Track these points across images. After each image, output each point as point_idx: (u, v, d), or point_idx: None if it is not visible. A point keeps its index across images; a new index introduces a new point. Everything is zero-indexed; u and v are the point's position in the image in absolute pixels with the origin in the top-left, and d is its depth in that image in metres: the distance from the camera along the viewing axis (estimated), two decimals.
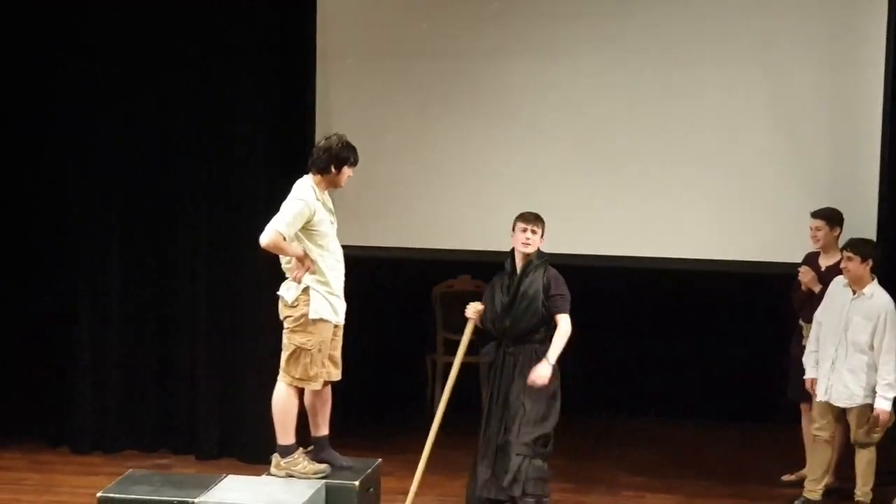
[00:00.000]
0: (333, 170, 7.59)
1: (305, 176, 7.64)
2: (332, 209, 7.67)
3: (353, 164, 7.65)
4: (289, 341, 7.61)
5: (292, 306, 7.57)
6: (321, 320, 7.56)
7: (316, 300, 7.54)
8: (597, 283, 10.70)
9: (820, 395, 8.51)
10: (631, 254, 9.84)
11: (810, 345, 8.64)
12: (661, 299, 10.80)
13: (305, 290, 7.53)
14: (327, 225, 7.58)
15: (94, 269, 9.72)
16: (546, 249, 9.93)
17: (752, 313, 10.52)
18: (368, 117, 9.77)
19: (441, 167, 9.88)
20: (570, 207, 9.78)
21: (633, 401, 10.75)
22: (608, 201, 9.79)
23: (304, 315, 7.54)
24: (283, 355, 7.65)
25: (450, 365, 10.79)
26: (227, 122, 9.56)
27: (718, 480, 9.35)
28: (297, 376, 7.62)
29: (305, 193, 7.52)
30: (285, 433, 7.70)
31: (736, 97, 9.61)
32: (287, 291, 7.60)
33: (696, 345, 10.84)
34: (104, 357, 9.76)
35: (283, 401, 7.68)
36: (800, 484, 8.87)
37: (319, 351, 7.57)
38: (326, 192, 7.65)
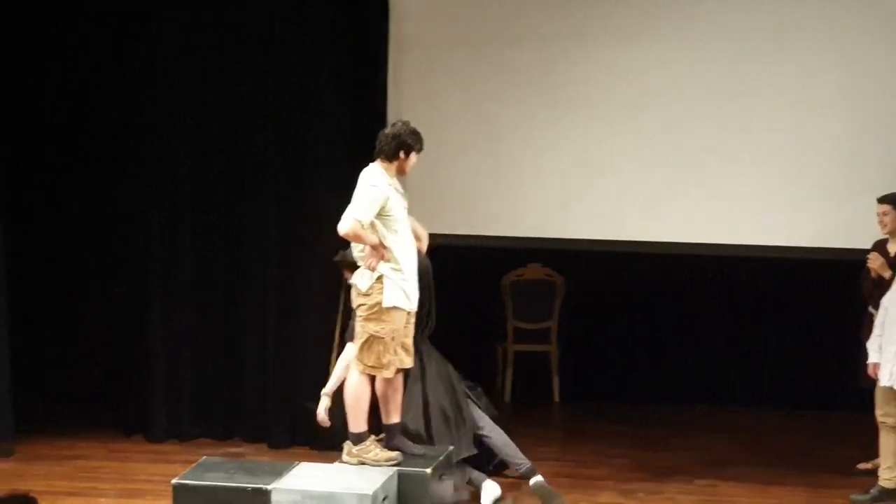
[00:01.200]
0: (401, 156, 7.61)
1: (373, 164, 7.66)
2: (404, 194, 7.68)
3: (419, 150, 7.67)
4: (362, 329, 7.62)
5: (366, 294, 7.58)
6: (395, 308, 7.57)
7: (390, 288, 7.55)
8: (668, 272, 10.67)
9: (883, 381, 8.42)
10: (701, 241, 9.78)
11: (875, 329, 8.54)
12: (734, 287, 10.73)
13: (379, 279, 7.55)
14: (400, 210, 7.59)
15: (166, 260, 9.78)
16: (615, 237, 9.92)
17: (824, 301, 10.43)
18: (440, 105, 9.77)
19: (512, 155, 9.86)
20: (641, 195, 9.73)
21: (707, 390, 10.68)
22: (680, 189, 9.73)
23: (378, 303, 7.55)
24: (357, 343, 7.67)
25: (519, 353, 10.85)
26: (299, 112, 9.59)
27: (793, 468, 9.27)
28: (369, 364, 7.64)
29: (377, 179, 7.54)
30: (357, 421, 7.73)
31: (805, 84, 9.52)
32: (361, 280, 7.61)
33: (770, 333, 10.76)
34: (177, 347, 9.83)
35: (355, 388, 7.71)
36: (876, 472, 8.78)
37: (393, 339, 7.59)
38: (395, 179, 7.66)
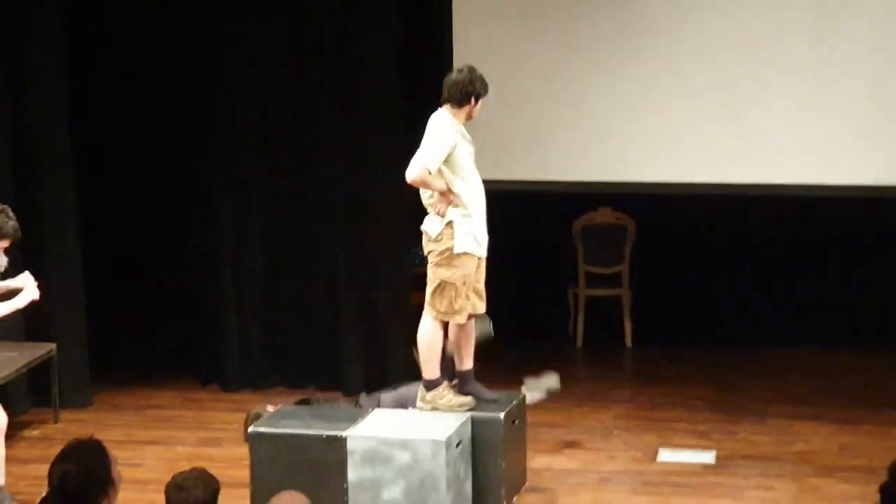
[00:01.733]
0: (463, 101, 7.58)
1: (440, 109, 7.65)
2: (471, 140, 7.67)
3: (484, 95, 7.64)
4: (434, 275, 7.63)
5: (437, 240, 7.59)
6: (466, 254, 7.57)
7: (461, 233, 7.55)
8: (741, 214, 10.60)
9: None
10: (773, 181, 9.68)
11: None
12: (807, 227, 10.64)
13: (450, 224, 7.55)
14: (467, 156, 7.58)
15: (238, 209, 9.85)
16: (686, 179, 9.84)
17: None
18: (508, 50, 9.71)
19: (581, 100, 9.79)
20: (711, 136, 9.65)
21: (781, 330, 10.62)
22: (751, 129, 9.62)
23: (449, 249, 7.56)
24: (428, 289, 7.68)
25: (591, 298, 10.83)
26: (363, 56, 9.57)
27: (868, 408, 9.22)
28: (441, 310, 7.66)
29: (445, 126, 7.53)
30: (430, 367, 7.75)
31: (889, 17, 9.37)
32: (431, 226, 7.62)
33: (844, 273, 10.66)
34: (250, 296, 9.91)
35: (428, 335, 7.73)
36: None
37: (464, 284, 7.59)
38: (462, 125, 7.65)
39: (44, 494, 4.65)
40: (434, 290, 7.64)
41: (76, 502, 4.35)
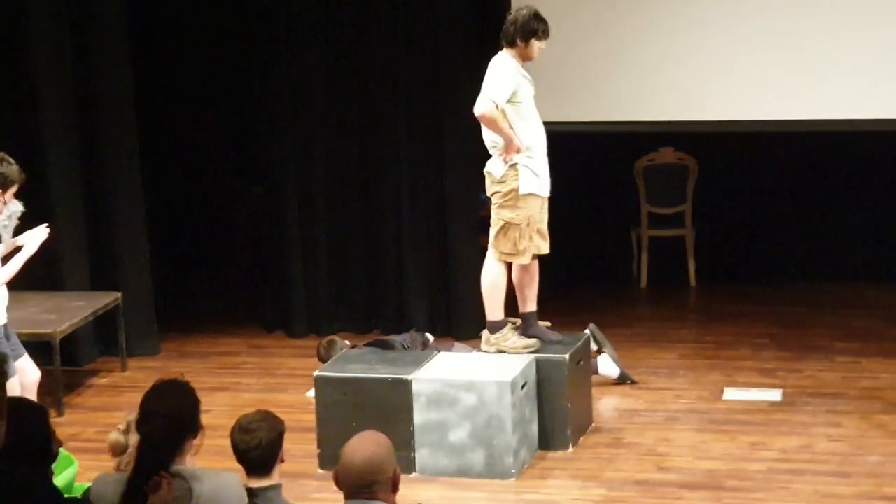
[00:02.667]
0: (521, 42, 7.53)
1: (501, 51, 7.61)
2: (532, 81, 7.63)
3: (543, 36, 7.57)
4: (497, 216, 7.63)
5: (501, 181, 7.57)
6: (530, 195, 7.56)
7: (525, 175, 7.53)
8: (802, 150, 10.49)
9: None
10: (832, 117, 9.57)
11: None
12: (873, 162, 10.51)
13: (513, 166, 7.53)
14: (528, 98, 7.55)
15: (302, 155, 9.85)
16: (747, 117, 9.75)
17: None
18: None
19: (642, 39, 9.70)
20: (771, 73, 9.53)
21: (846, 267, 10.52)
22: (811, 66, 9.49)
23: (514, 190, 7.54)
24: (492, 231, 7.68)
25: (654, 238, 10.78)
26: (426, 21, 9.54)
27: None
28: (505, 251, 7.65)
29: (506, 65, 7.50)
30: (494, 309, 7.76)
31: None
32: (495, 167, 7.60)
33: None
34: (314, 243, 9.93)
35: (492, 276, 7.73)
36: None
37: (528, 225, 7.58)
38: (523, 65, 7.60)
39: (131, 419, 4.71)
40: (498, 232, 7.63)
41: (172, 435, 4.39)
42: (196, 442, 4.54)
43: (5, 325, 7.31)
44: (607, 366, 8.60)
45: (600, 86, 9.78)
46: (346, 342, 8.84)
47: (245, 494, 4.71)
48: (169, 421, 4.41)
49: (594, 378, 8.32)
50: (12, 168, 7.11)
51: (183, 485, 4.41)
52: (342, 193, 9.87)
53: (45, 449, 4.36)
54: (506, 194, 7.56)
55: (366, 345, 8.51)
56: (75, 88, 9.37)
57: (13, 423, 4.09)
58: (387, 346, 8.36)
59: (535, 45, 7.55)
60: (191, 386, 4.56)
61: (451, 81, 9.49)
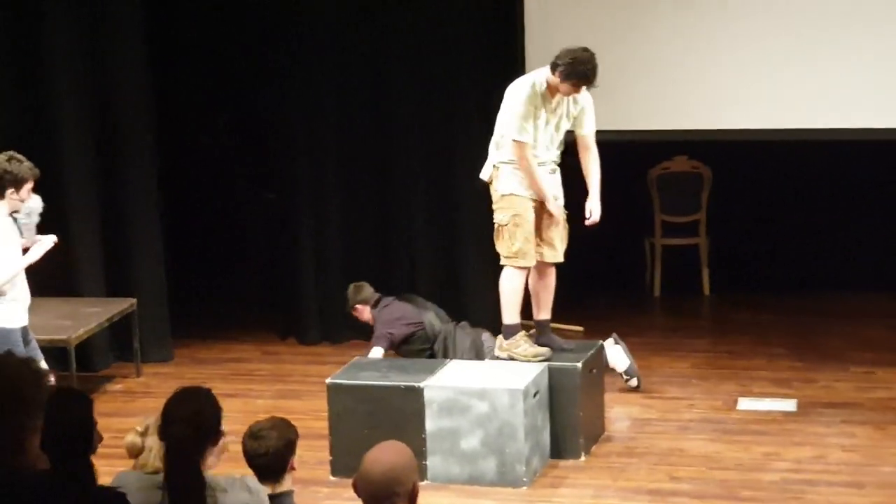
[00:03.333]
0: (559, 76, 7.49)
1: (544, 68, 7.59)
2: (555, 107, 7.59)
3: (578, 86, 7.50)
4: (494, 221, 7.69)
5: (489, 185, 7.68)
6: (512, 195, 7.58)
7: (505, 174, 7.56)
8: (817, 159, 10.46)
9: None
10: (848, 126, 9.55)
11: None
12: (889, 171, 10.48)
13: (496, 166, 7.60)
14: (540, 121, 7.55)
15: (314, 166, 9.85)
16: (761, 126, 9.73)
17: None
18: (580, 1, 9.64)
19: (657, 49, 9.69)
20: (786, 83, 9.52)
21: (861, 276, 10.49)
22: (825, 75, 9.48)
23: (496, 191, 7.63)
24: (495, 238, 7.74)
25: (667, 246, 10.76)
26: (438, 17, 9.55)
27: None
28: (504, 254, 7.69)
29: (523, 92, 7.52)
30: (508, 313, 7.76)
31: None
32: (484, 171, 7.74)
33: None
34: (327, 250, 9.94)
35: (506, 281, 7.73)
36: None
37: (516, 225, 7.58)
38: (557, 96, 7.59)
39: (150, 422, 4.73)
40: (495, 237, 7.70)
41: (187, 447, 4.40)
42: (218, 447, 4.54)
43: (25, 328, 7.33)
44: (617, 356, 8.58)
45: (614, 95, 9.71)
46: (376, 293, 8.97)
47: (265, 496, 4.73)
48: (191, 426, 4.42)
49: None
50: (22, 165, 7.14)
51: (211, 497, 4.44)
52: (355, 200, 9.87)
53: (87, 438, 4.36)
54: (495, 198, 7.65)
55: (398, 298, 8.82)
56: (92, 94, 9.39)
57: (57, 412, 4.12)
58: (420, 306, 8.72)
59: (566, 86, 7.51)
60: (212, 392, 4.57)
61: (463, 90, 9.50)
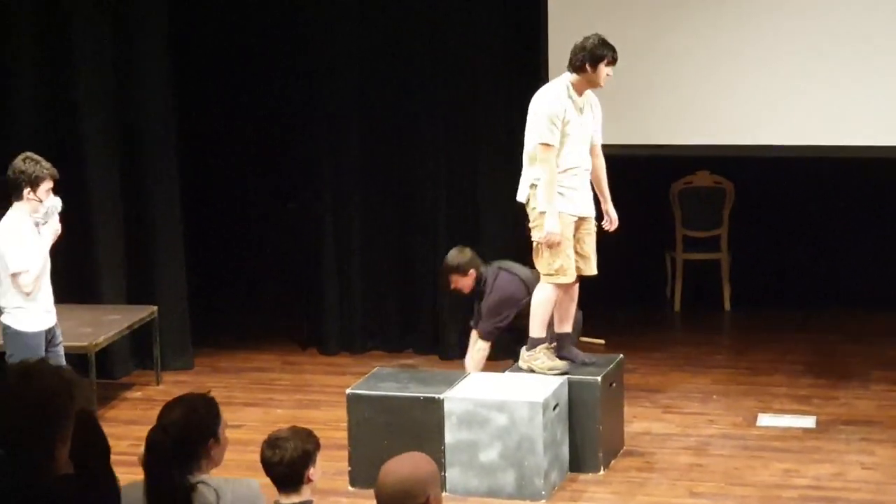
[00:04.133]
0: (590, 68, 7.52)
1: (564, 74, 7.62)
2: (582, 108, 7.61)
3: (611, 62, 7.55)
4: (533, 239, 7.66)
5: (528, 205, 7.62)
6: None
7: (542, 192, 7.56)
8: (840, 176, 10.44)
9: None
10: (872, 143, 9.52)
11: None
12: None
13: (533, 186, 7.57)
14: (574, 126, 7.54)
15: (337, 177, 9.87)
16: (784, 142, 9.71)
17: None
18: (606, 13, 9.62)
19: (678, 62, 9.69)
20: (810, 99, 9.50)
21: (884, 294, 10.45)
22: (851, 92, 9.46)
23: (535, 209, 7.59)
24: (534, 256, 7.72)
25: (689, 261, 10.74)
26: (461, 24, 9.56)
27: None
28: (545, 272, 7.66)
29: (550, 96, 7.52)
30: (535, 326, 7.75)
31: None
32: (520, 193, 7.69)
33: None
34: (348, 261, 9.95)
35: (541, 294, 7.71)
36: None
37: (558, 243, 7.57)
38: (586, 92, 7.60)
39: (150, 431, 4.73)
40: (535, 254, 7.66)
41: (181, 444, 4.40)
42: (214, 456, 4.52)
43: (50, 330, 7.34)
44: None
45: (637, 109, 9.76)
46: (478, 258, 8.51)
47: (262, 497, 4.71)
48: (168, 433, 4.42)
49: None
50: (38, 165, 7.16)
51: (207, 497, 4.42)
52: (377, 211, 9.89)
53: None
54: (534, 217, 7.61)
55: (501, 267, 8.39)
56: (116, 103, 9.43)
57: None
58: (525, 279, 8.25)
59: (604, 70, 7.53)
60: (209, 398, 4.56)
61: (487, 103, 9.52)
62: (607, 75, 7.57)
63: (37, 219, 7.25)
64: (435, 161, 9.72)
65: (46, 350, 7.28)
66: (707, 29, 9.63)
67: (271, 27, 10.45)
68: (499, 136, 9.44)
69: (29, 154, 7.25)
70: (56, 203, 7.30)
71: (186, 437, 4.41)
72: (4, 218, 7.26)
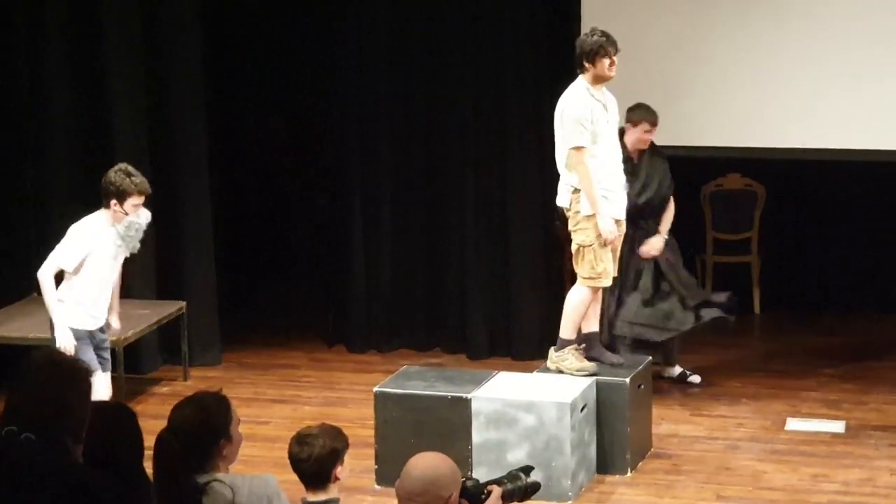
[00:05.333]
0: (589, 65, 7.52)
1: (576, 80, 7.61)
2: (606, 105, 7.59)
3: (608, 52, 7.52)
4: (574, 242, 7.66)
5: (569, 209, 7.62)
6: (594, 215, 7.54)
7: (585, 196, 7.54)
8: (872, 179, 10.37)
9: None
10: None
11: None
12: None
13: (576, 191, 7.54)
14: (603, 121, 7.53)
15: (367, 174, 9.86)
16: (817, 145, 9.66)
17: None
18: (636, 16, 9.59)
19: (710, 63, 9.65)
20: (843, 102, 9.45)
21: None
22: (883, 96, 9.40)
23: (578, 213, 7.56)
24: (574, 259, 7.70)
25: (719, 264, 10.69)
26: (495, 25, 9.55)
27: None
28: (585, 276, 7.65)
29: (574, 100, 7.52)
30: (566, 327, 7.76)
31: None
32: (562, 198, 7.68)
33: None
34: (377, 259, 9.93)
35: (576, 296, 7.73)
36: None
37: (602, 246, 7.56)
38: (603, 90, 7.60)
39: (160, 432, 4.74)
40: (575, 257, 7.67)
41: (191, 446, 4.40)
42: (226, 454, 4.51)
43: (93, 332, 7.34)
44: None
45: (668, 110, 9.69)
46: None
47: (281, 492, 4.70)
48: (196, 424, 4.41)
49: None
50: (126, 179, 7.17)
51: (223, 494, 4.42)
52: (406, 208, 9.87)
53: (137, 449, 4.39)
54: (575, 220, 7.59)
55: None
56: (146, 96, 9.44)
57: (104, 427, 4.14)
58: None
59: (605, 62, 7.52)
60: (227, 399, 4.55)
61: (517, 100, 9.49)
62: (610, 65, 7.52)
63: (119, 230, 7.26)
64: (464, 160, 9.70)
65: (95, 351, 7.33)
66: (738, 30, 9.58)
67: (301, 22, 10.45)
68: (529, 137, 9.41)
69: (123, 166, 7.27)
70: (141, 219, 7.30)
71: (198, 439, 4.40)
72: (88, 216, 7.30)
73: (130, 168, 7.26)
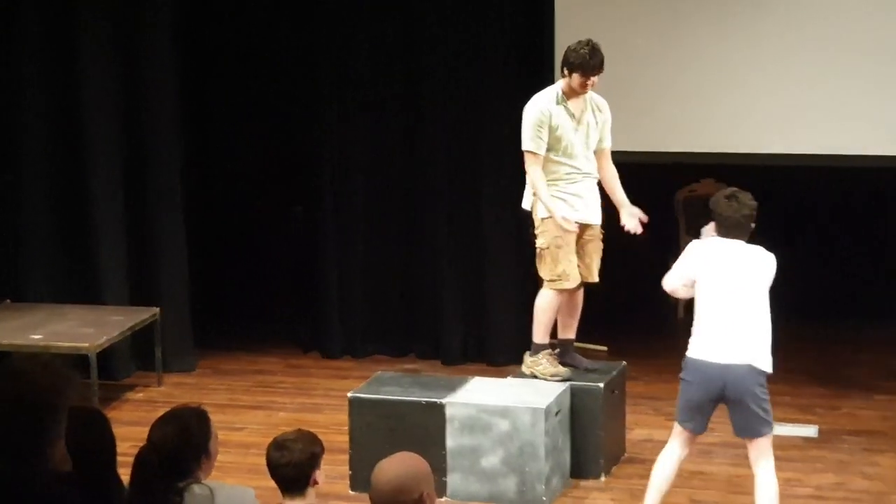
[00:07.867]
0: (565, 71, 7.53)
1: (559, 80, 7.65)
2: (576, 114, 7.59)
3: (584, 72, 7.45)
4: (536, 246, 7.66)
5: (533, 211, 7.63)
6: (551, 218, 7.56)
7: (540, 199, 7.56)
8: (846, 185, 10.42)
9: None
10: (879, 153, 9.50)
11: None
12: None
13: (535, 193, 7.58)
14: (568, 132, 7.53)
15: (340, 181, 9.88)
16: (790, 150, 9.69)
17: None
18: (612, 22, 9.61)
19: (683, 70, 9.68)
20: (817, 108, 9.49)
21: (888, 305, 10.43)
22: (857, 100, 9.45)
23: (538, 216, 7.59)
24: (537, 262, 7.72)
25: None
26: (474, 27, 9.56)
27: None
28: (548, 278, 7.66)
29: (534, 106, 7.54)
30: (538, 331, 7.77)
31: None
32: (525, 202, 7.72)
33: None
34: (351, 265, 9.95)
35: (543, 300, 7.72)
36: None
37: (558, 247, 7.57)
38: (589, 96, 7.59)
39: (141, 447, 4.73)
40: (537, 261, 7.67)
41: (170, 462, 4.41)
42: (204, 469, 4.54)
43: None
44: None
45: (642, 116, 9.75)
46: None
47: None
48: (177, 442, 4.43)
49: None
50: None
51: (203, 495, 4.43)
52: (380, 215, 9.88)
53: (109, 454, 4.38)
54: (537, 224, 7.63)
55: None
56: (120, 104, 9.43)
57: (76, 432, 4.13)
58: None
59: (577, 78, 7.49)
60: (206, 414, 4.57)
61: (492, 108, 9.51)
62: (582, 84, 7.48)
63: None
64: (439, 165, 9.72)
65: None
66: (712, 37, 9.61)
67: (277, 30, 10.44)
68: (502, 144, 9.43)
69: (735, 190, 7.10)
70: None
71: (179, 456, 4.43)
72: None
73: (742, 194, 7.08)
